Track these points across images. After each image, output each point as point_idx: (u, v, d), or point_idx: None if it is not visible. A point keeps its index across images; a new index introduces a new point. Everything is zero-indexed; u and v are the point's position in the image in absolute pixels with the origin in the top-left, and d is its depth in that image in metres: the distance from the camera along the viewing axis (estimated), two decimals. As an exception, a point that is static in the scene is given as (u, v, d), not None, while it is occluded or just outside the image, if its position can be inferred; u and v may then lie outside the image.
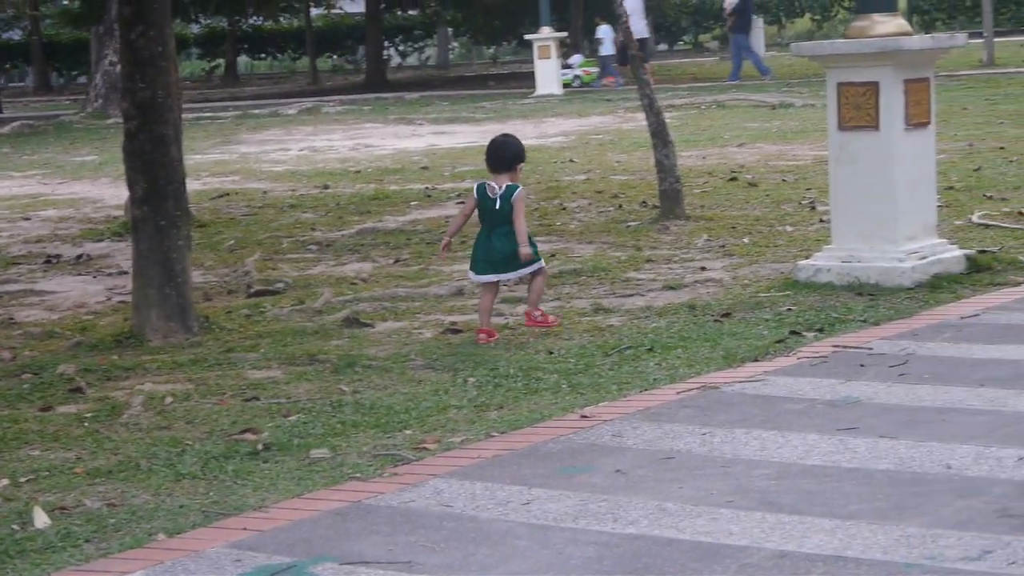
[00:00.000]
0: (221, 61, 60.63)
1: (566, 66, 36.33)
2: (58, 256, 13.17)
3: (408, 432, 6.64)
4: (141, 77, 9.07)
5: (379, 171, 19.09)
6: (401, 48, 64.37)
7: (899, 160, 9.35)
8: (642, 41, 35.97)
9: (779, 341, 8.03)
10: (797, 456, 5.87)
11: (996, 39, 35.07)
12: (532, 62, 35.53)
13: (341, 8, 57.35)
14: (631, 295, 9.76)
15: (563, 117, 26.61)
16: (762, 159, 17.65)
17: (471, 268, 8.74)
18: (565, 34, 38.03)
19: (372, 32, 49.35)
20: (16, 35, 63.14)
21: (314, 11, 56.44)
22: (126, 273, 11.03)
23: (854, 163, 9.45)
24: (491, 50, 63.63)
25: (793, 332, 8.22)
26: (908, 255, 9.35)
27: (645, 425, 6.47)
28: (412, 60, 65.38)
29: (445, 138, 23.89)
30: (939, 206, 10.81)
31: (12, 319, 10.26)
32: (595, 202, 14.66)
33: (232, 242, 13.38)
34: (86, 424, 7.14)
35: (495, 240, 8.56)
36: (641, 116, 14.96)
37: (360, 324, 9.23)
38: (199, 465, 6.28)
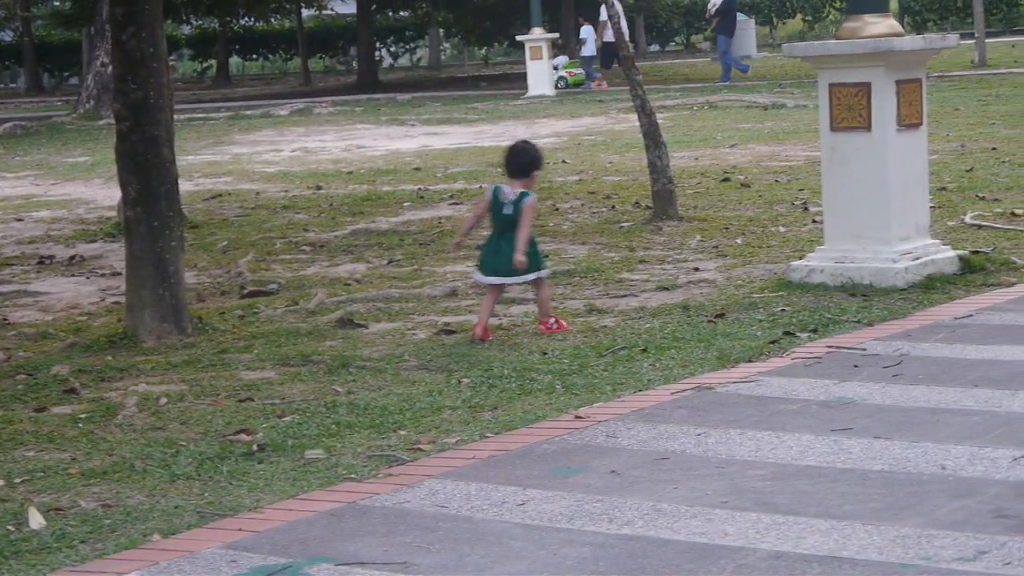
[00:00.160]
0: (213, 62, 60.59)
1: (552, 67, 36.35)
2: (51, 257, 13.16)
3: (403, 433, 6.64)
4: (133, 78, 9.06)
5: (372, 172, 19.09)
6: (393, 49, 64.34)
7: (891, 161, 9.36)
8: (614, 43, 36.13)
9: (773, 342, 8.04)
10: (792, 457, 5.88)
11: (987, 40, 35.12)
12: (524, 63, 35.53)
13: (332, 9, 57.32)
14: (625, 296, 9.77)
15: (555, 118, 26.62)
16: (755, 160, 17.66)
17: (478, 268, 8.85)
18: (557, 35, 38.02)
19: (363, 33, 49.32)
20: (7, 36, 63.07)
21: (305, 12, 56.39)
22: (119, 274, 11.02)
23: (846, 164, 9.46)
24: (483, 51, 63.62)
25: (787, 333, 8.23)
26: (901, 256, 9.36)
27: (639, 426, 6.47)
28: (404, 61, 65.36)
29: (437, 139, 23.89)
30: (932, 207, 10.82)
31: (6, 320, 10.25)
32: (588, 203, 14.66)
33: (225, 243, 13.37)
34: (80, 425, 7.13)
35: (504, 244, 8.64)
36: (633, 117, 14.98)
37: (354, 325, 9.23)
38: (194, 466, 6.28)
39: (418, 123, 27.57)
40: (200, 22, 58.90)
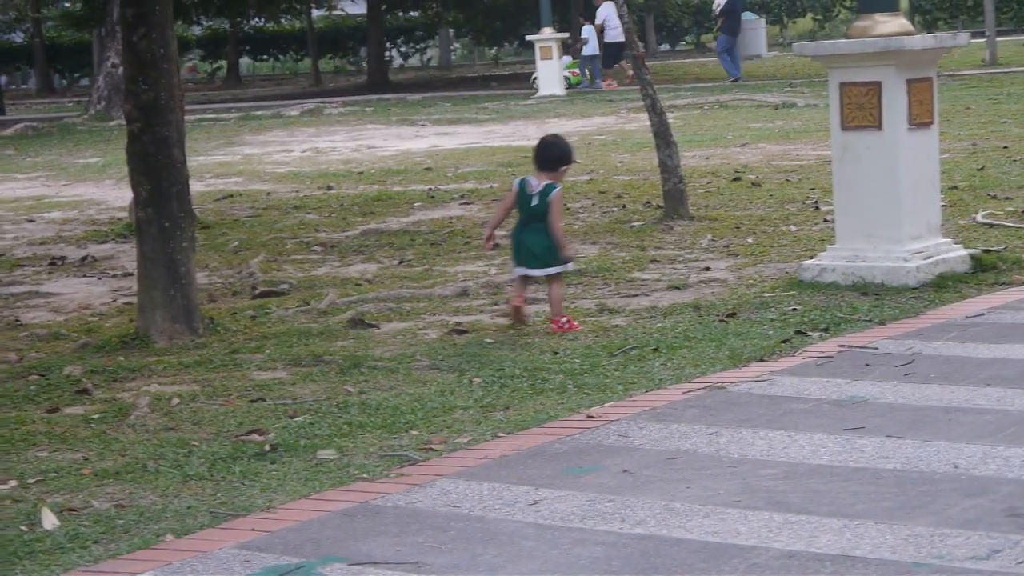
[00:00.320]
0: (223, 63, 60.65)
1: None
2: (63, 258, 13.18)
3: (414, 433, 6.65)
4: (143, 79, 9.07)
5: (382, 172, 19.10)
6: (403, 49, 64.37)
7: (902, 160, 9.35)
8: (620, 44, 36.24)
9: (784, 341, 8.04)
10: (804, 456, 5.88)
11: (998, 38, 35.08)
12: (534, 63, 35.56)
13: (342, 9, 57.37)
14: (636, 295, 9.77)
15: (565, 118, 26.61)
16: (765, 159, 17.65)
17: (514, 261, 9.07)
18: (567, 35, 38.02)
19: (374, 33, 49.34)
20: (18, 37, 63.18)
21: (315, 12, 56.43)
22: (131, 275, 11.03)
23: (857, 163, 9.45)
24: (493, 51, 63.63)
25: (798, 332, 8.22)
26: (913, 255, 9.36)
27: (651, 425, 6.47)
28: (414, 61, 65.39)
29: (448, 139, 23.89)
30: (943, 206, 10.82)
31: (18, 321, 10.27)
32: (599, 202, 14.66)
33: (236, 243, 13.39)
34: (93, 425, 7.14)
35: (526, 235, 8.82)
36: (644, 116, 14.98)
37: (365, 325, 9.24)
38: (206, 466, 6.29)
39: (428, 123, 27.58)
40: (210, 23, 58.93)
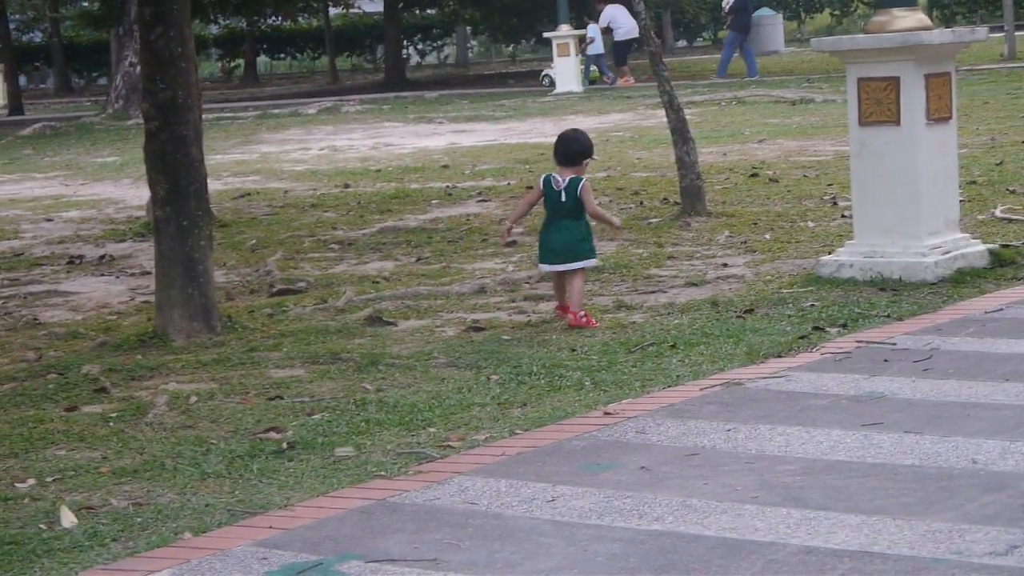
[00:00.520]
0: (241, 61, 60.71)
1: None
2: (81, 257, 13.20)
3: (432, 430, 6.65)
4: (161, 78, 9.08)
5: (400, 170, 19.10)
6: (420, 47, 64.37)
7: (921, 155, 9.33)
8: (630, 42, 36.38)
9: (802, 337, 8.02)
10: (822, 452, 5.87)
11: (1017, 33, 34.94)
12: (551, 60, 35.56)
13: (359, 7, 57.36)
14: (653, 292, 9.76)
15: (583, 115, 26.59)
16: (783, 155, 17.63)
17: (539, 258, 9.17)
18: (584, 31, 38.01)
19: (391, 31, 49.34)
20: (37, 37, 63.32)
21: (332, 11, 56.44)
22: (149, 273, 11.05)
23: (875, 158, 9.43)
24: (510, 48, 63.60)
25: (816, 328, 8.21)
26: (931, 250, 9.33)
27: (669, 422, 6.47)
28: (431, 59, 65.38)
29: (465, 136, 23.89)
30: (961, 201, 10.78)
31: (36, 320, 10.29)
32: (616, 199, 14.65)
33: (254, 241, 13.40)
34: (111, 424, 7.16)
35: (553, 232, 8.89)
36: (661, 113, 14.96)
37: (383, 322, 9.24)
38: (224, 464, 6.30)
39: (446, 120, 27.58)
40: (228, 22, 59.00)
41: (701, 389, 7.02)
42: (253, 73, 58.66)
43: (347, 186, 17.53)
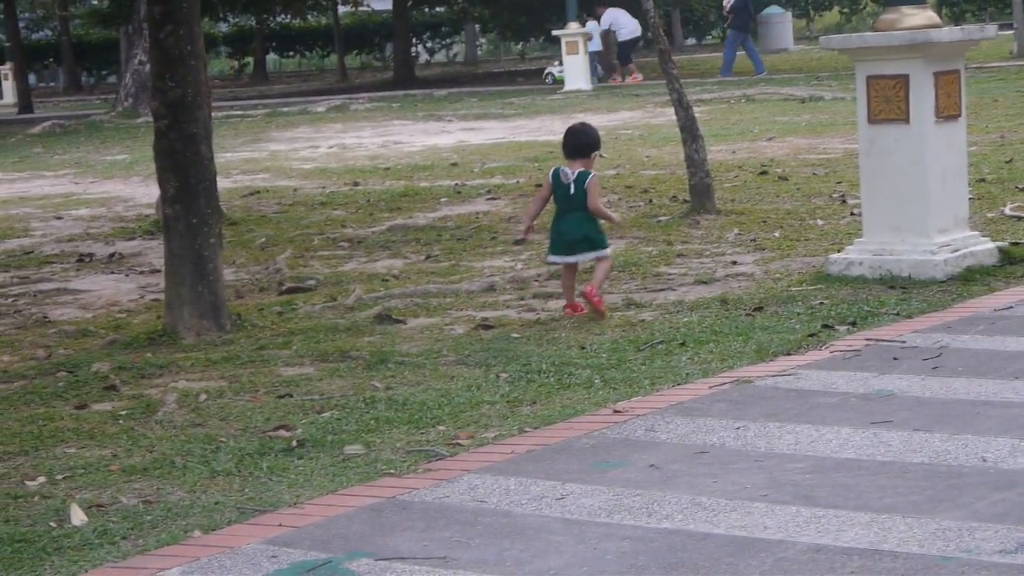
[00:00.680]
0: (250, 59, 60.76)
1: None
2: (91, 255, 13.22)
3: (441, 428, 6.65)
4: (171, 76, 9.09)
5: (409, 168, 19.11)
6: (429, 45, 64.43)
7: (930, 153, 9.32)
8: (634, 41, 36.46)
9: (811, 335, 8.02)
10: (831, 450, 5.86)
11: (1026, 30, 34.87)
12: (560, 57, 35.57)
13: (368, 5, 57.42)
14: (662, 290, 9.76)
15: (592, 112, 26.57)
16: (792, 153, 17.61)
17: (548, 250, 9.27)
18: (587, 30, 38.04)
19: (400, 29, 49.39)
20: (46, 35, 63.42)
21: (342, 9, 56.52)
22: (158, 271, 11.06)
23: (884, 156, 9.43)
24: (519, 46, 63.60)
25: (825, 326, 8.20)
26: (940, 248, 9.32)
27: (678, 419, 6.47)
28: (440, 57, 65.42)
29: (474, 134, 23.89)
30: (971, 198, 10.77)
31: (46, 318, 10.31)
32: (625, 197, 14.64)
33: (263, 239, 13.41)
34: (121, 422, 7.17)
35: (564, 224, 8.99)
36: (670, 111, 14.95)
37: (392, 320, 9.25)
38: (234, 462, 6.30)
39: (455, 118, 27.58)
40: (237, 20, 59.07)
41: (710, 387, 7.02)
42: (262, 71, 58.73)
43: (356, 184, 17.54)
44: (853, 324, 8.22)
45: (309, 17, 58.20)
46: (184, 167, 9.10)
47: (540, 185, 10.07)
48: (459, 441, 6.41)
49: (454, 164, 19.10)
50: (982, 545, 4.66)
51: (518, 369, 7.66)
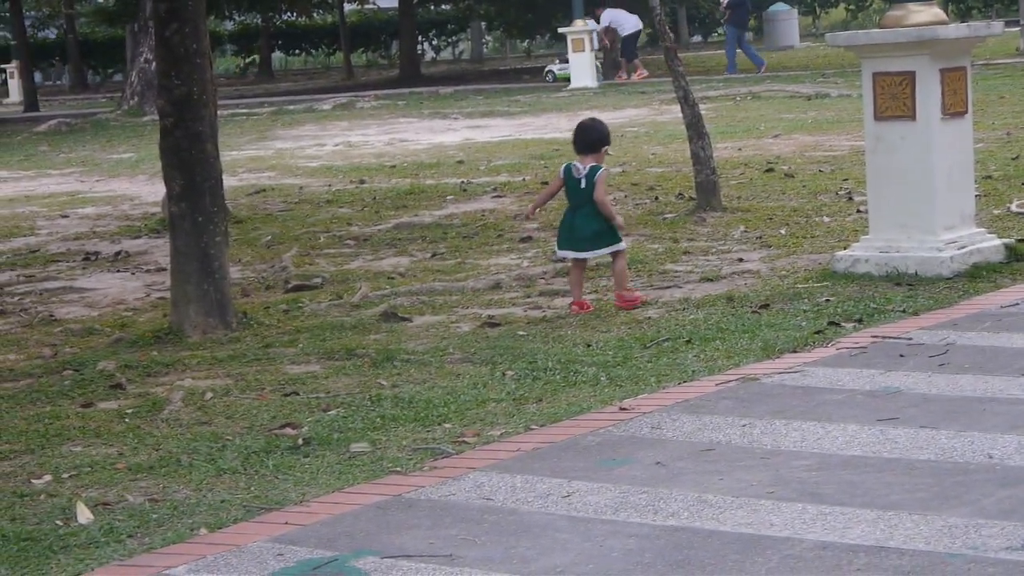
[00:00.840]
0: (256, 57, 60.78)
1: (565, 60, 36.39)
2: (96, 253, 13.23)
3: (447, 426, 6.65)
4: (177, 74, 9.10)
5: (415, 165, 19.11)
6: (435, 42, 64.43)
7: (936, 150, 9.31)
8: (636, 35, 36.49)
9: (818, 332, 8.01)
10: (837, 447, 5.86)
11: (1033, 27, 34.83)
12: (561, 55, 35.57)
13: (374, 3, 57.39)
14: (669, 287, 9.75)
15: (598, 110, 26.54)
16: (798, 150, 17.60)
17: (556, 244, 9.34)
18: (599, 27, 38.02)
19: (406, 27, 49.41)
20: (52, 34, 63.48)
21: (347, 7, 56.49)
22: (164, 270, 11.07)
23: (891, 153, 9.42)
24: (525, 44, 63.60)
25: (832, 323, 8.20)
26: (947, 245, 9.31)
27: (684, 417, 6.46)
28: (446, 54, 65.42)
29: (480, 132, 23.89)
30: (977, 195, 10.76)
31: (52, 316, 10.31)
32: (631, 194, 14.64)
33: (269, 237, 13.41)
34: (127, 420, 7.17)
35: (577, 219, 9.06)
36: (676, 108, 14.93)
37: (398, 318, 9.25)
38: (240, 460, 6.31)
39: (461, 116, 27.58)
40: (243, 18, 59.09)
41: (716, 384, 7.01)
42: (268, 69, 58.76)
43: (362, 182, 17.54)
44: (859, 321, 8.21)
45: (315, 15, 58.26)
46: (190, 165, 9.10)
47: (547, 183, 10.08)
48: (465, 439, 6.40)
49: (460, 162, 19.10)
50: (988, 542, 4.66)
51: (524, 367, 7.66)
